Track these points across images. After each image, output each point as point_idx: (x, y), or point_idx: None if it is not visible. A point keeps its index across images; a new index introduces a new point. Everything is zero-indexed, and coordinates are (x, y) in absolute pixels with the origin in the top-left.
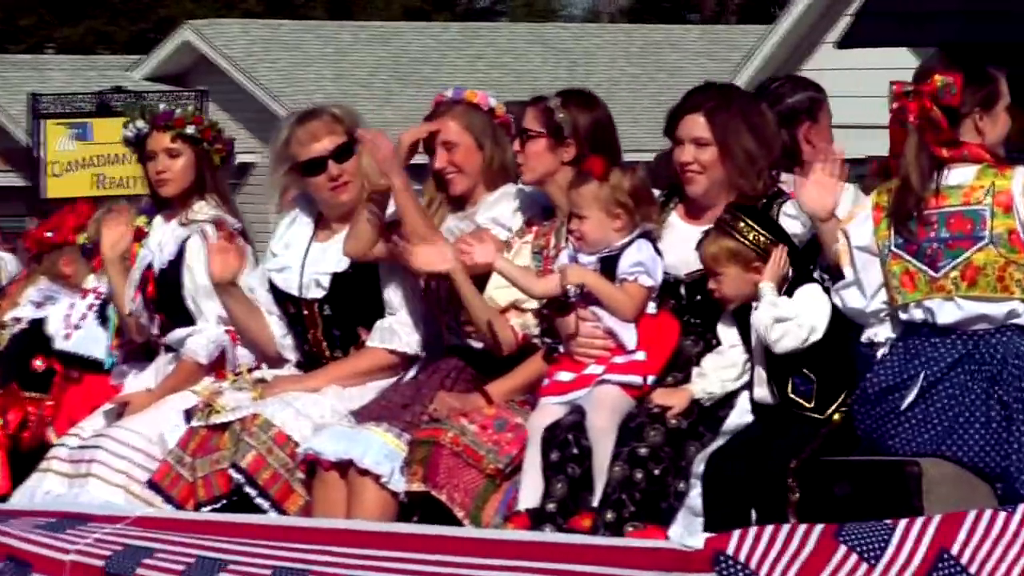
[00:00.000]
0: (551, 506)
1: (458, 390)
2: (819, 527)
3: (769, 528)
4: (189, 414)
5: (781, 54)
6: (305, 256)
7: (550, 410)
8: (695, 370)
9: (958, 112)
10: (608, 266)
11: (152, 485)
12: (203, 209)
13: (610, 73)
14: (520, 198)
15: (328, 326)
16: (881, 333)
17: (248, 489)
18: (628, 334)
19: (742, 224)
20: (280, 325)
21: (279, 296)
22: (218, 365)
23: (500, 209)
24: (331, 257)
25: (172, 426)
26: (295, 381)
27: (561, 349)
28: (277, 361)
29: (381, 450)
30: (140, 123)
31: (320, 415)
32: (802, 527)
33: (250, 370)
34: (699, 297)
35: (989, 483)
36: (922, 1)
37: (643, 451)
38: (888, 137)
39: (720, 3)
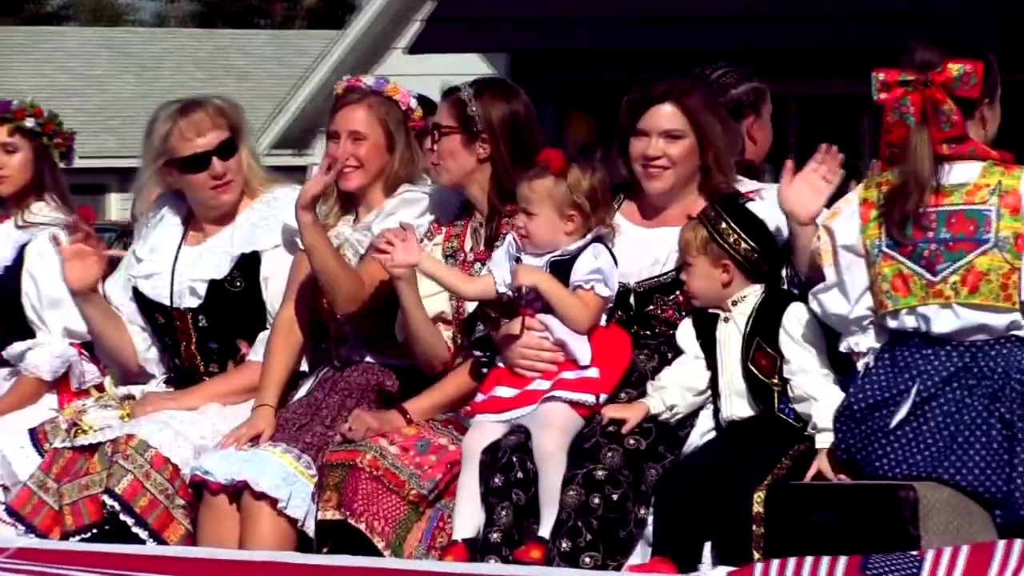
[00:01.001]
0: (495, 536)
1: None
2: (843, 559)
3: (792, 561)
4: (34, 434)
5: (351, 59)
6: (175, 261)
7: (487, 429)
8: (651, 383)
9: (975, 104)
10: (559, 271)
11: (11, 512)
12: (43, 210)
13: (178, 78)
14: (421, 200)
15: (203, 338)
16: (863, 342)
17: (124, 517)
18: (582, 347)
19: (724, 225)
20: (144, 337)
21: (145, 305)
22: (62, 382)
23: (402, 215)
24: (207, 263)
25: (15, 448)
26: (170, 399)
27: (497, 362)
28: (139, 376)
29: (278, 472)
30: None
31: (200, 436)
32: (826, 559)
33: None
34: (650, 307)
35: (988, 510)
36: (489, 8)
37: (600, 474)
38: None
39: (289, 8)
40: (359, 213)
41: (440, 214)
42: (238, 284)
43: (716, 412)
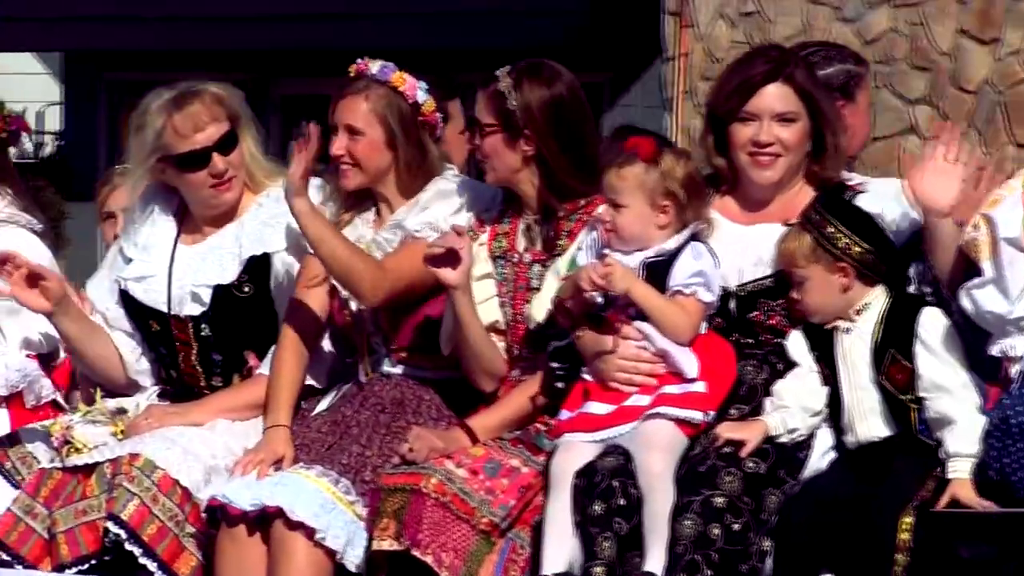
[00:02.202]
0: (598, 570)
1: (396, 427)
2: None
3: None
4: None
5: None
6: (171, 262)
7: (578, 450)
8: (770, 401)
9: None
10: (655, 274)
11: None
12: None
13: None
14: (459, 192)
15: (206, 349)
16: (1020, 346)
17: (130, 546)
18: (687, 359)
19: (831, 229)
20: (132, 346)
21: (136, 310)
22: (13, 398)
23: (437, 209)
24: (211, 265)
25: None
26: (175, 413)
27: (583, 374)
28: (126, 389)
29: (315, 499)
30: None
31: (211, 455)
32: None
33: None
34: (754, 313)
35: None
36: (50, 7)
37: (719, 501)
38: None
39: None
40: (379, 210)
41: (480, 209)
42: (246, 289)
43: (838, 432)
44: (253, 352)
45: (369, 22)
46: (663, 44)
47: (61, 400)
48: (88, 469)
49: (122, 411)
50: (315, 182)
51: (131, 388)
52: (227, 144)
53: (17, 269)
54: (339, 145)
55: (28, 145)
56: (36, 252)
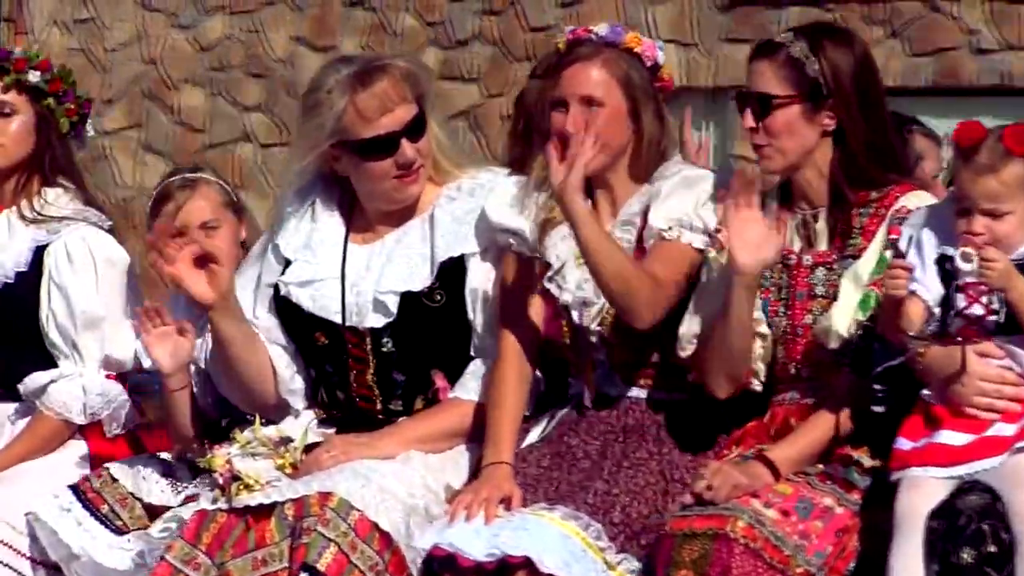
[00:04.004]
0: None
1: (638, 458)
2: None
3: None
4: (80, 493)
5: None
6: (344, 265)
7: (930, 488)
8: None
9: None
10: None
11: None
12: (60, 201)
13: None
14: (706, 179)
15: (386, 367)
16: None
17: None
18: None
19: None
20: (287, 362)
21: (299, 320)
22: (91, 425)
23: (683, 203)
24: (398, 269)
25: (56, 511)
26: (363, 444)
27: (928, 399)
28: (272, 412)
29: (563, 545)
30: None
31: (409, 494)
32: None
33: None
34: None
35: None
36: None
37: None
38: None
39: None
40: (597, 204)
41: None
42: (438, 298)
43: None
44: (441, 372)
45: None
46: None
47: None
48: (261, 511)
49: (287, 440)
50: (513, 178)
51: (277, 411)
52: (416, 129)
53: (188, 245)
54: (574, 120)
55: (91, 132)
56: (113, 253)
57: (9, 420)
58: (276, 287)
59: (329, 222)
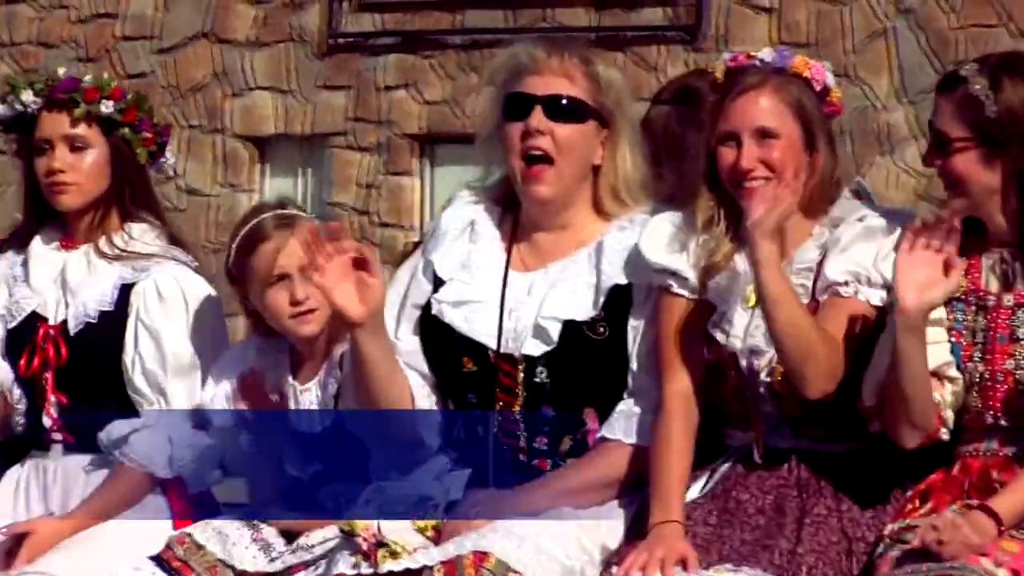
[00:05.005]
0: None
1: (817, 515)
2: None
3: None
4: (161, 561)
5: None
6: (503, 289)
7: None
8: None
9: None
10: None
11: None
12: (146, 237)
13: None
14: (889, 226)
15: (537, 400)
16: None
17: None
18: None
19: None
20: (427, 392)
21: (445, 343)
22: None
23: (863, 253)
24: (562, 295)
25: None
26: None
27: None
28: None
29: None
30: (27, 95)
31: (565, 555)
32: None
33: None
34: None
35: None
36: None
37: None
38: None
39: None
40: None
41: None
42: (601, 330)
43: None
44: (594, 410)
45: None
46: None
47: None
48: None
49: (426, 500)
50: (667, 214)
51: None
52: (566, 111)
53: (340, 252)
54: (749, 156)
55: (171, 160)
56: (206, 294)
57: (84, 471)
58: (424, 307)
59: (491, 245)
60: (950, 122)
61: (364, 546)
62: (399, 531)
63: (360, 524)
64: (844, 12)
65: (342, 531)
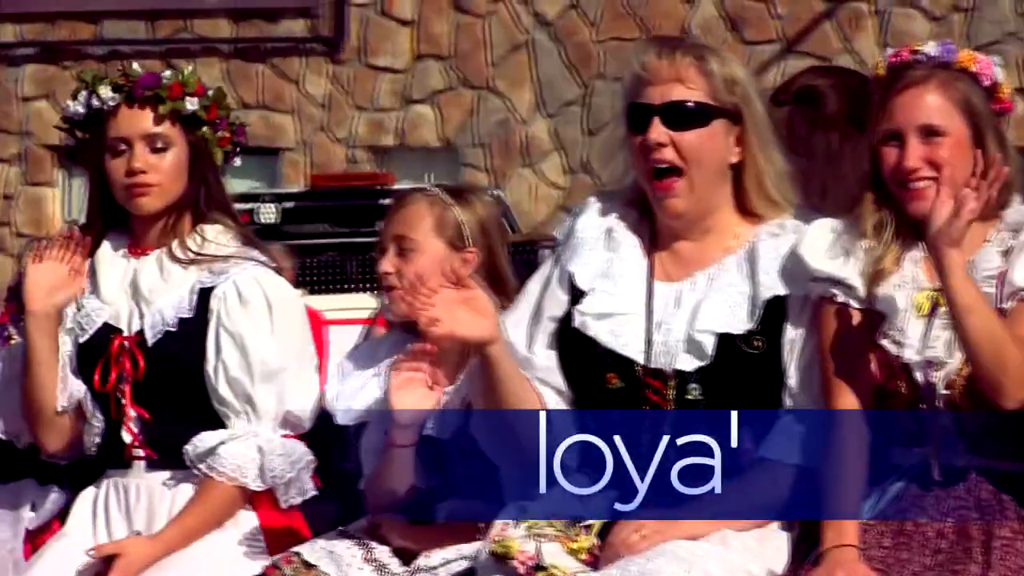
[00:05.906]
0: None
1: (1002, 538)
2: None
3: None
4: None
5: None
6: (649, 300)
7: None
8: None
9: None
10: None
11: None
12: (221, 239)
13: None
14: None
15: None
16: None
17: None
18: None
19: None
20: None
21: (587, 358)
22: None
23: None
24: (715, 307)
25: None
26: (672, 523)
27: None
28: None
29: None
30: (105, 91)
31: None
32: None
33: None
34: None
35: None
36: None
37: None
38: None
39: None
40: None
41: None
42: (757, 344)
43: None
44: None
45: None
46: None
47: None
48: None
49: (579, 519)
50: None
51: None
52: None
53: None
54: (914, 154)
55: (238, 162)
56: (289, 296)
57: (166, 486)
58: (562, 320)
59: (631, 252)
60: None
61: (521, 569)
62: (552, 554)
63: (515, 546)
64: (484, 24)
65: (494, 554)
